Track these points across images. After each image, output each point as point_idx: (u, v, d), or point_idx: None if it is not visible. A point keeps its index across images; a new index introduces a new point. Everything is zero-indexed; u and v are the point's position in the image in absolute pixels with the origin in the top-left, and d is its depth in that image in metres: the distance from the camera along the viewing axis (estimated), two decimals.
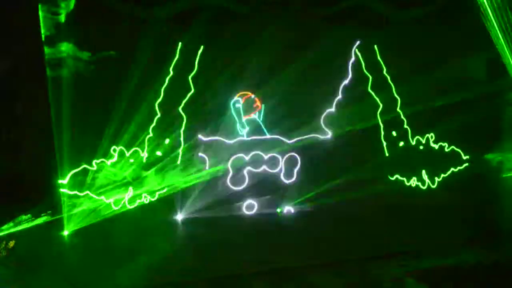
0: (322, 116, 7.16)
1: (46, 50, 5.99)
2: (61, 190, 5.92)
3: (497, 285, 5.83)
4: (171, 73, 6.45)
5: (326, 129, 7.15)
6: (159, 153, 6.40)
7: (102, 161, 6.13)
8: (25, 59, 5.96)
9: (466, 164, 7.59)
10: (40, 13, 5.96)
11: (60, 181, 5.92)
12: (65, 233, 6.10)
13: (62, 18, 6.10)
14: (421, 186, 7.45)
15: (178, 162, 6.48)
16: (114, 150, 6.20)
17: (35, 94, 6.05)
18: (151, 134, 6.36)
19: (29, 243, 5.86)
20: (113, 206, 6.19)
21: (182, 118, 6.50)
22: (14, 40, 5.89)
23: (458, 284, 6.03)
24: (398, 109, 7.42)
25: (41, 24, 5.98)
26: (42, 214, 5.96)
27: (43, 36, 5.98)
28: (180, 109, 6.46)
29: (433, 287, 6.01)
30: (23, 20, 5.99)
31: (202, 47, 6.59)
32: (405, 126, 7.43)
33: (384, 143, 7.37)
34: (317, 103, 7.17)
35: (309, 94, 7.09)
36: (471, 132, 7.51)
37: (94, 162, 6.08)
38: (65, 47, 6.12)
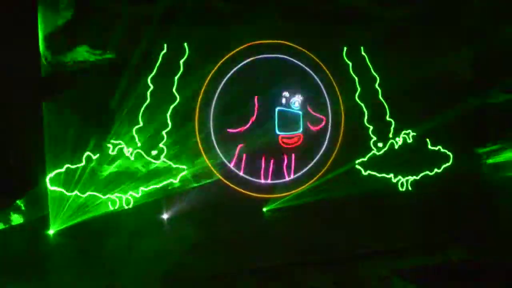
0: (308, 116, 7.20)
1: (41, 49, 6.00)
2: (47, 186, 5.88)
3: (482, 284, 5.83)
4: (156, 73, 6.46)
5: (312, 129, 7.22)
6: (154, 152, 6.40)
7: (90, 159, 6.10)
8: (19, 58, 5.93)
9: (453, 163, 7.63)
10: (39, 12, 5.96)
11: (47, 178, 5.89)
12: (51, 232, 6.06)
13: (59, 18, 6.11)
14: (407, 185, 7.48)
15: (165, 160, 6.45)
16: (104, 148, 6.18)
17: (26, 91, 5.97)
18: (138, 135, 6.34)
19: (11, 241, 5.83)
20: (102, 204, 6.16)
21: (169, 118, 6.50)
22: (7, 39, 5.87)
23: (444, 282, 6.03)
24: (384, 108, 7.48)
25: (39, 23, 5.98)
26: (26, 210, 5.93)
27: (40, 34, 5.97)
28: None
29: (419, 285, 6.00)
30: (19, 19, 5.96)
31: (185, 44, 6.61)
32: (392, 124, 7.47)
33: (371, 142, 7.39)
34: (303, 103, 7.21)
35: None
36: (457, 130, 7.59)
37: (81, 159, 6.05)
38: (59, 47, 6.13)
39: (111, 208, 6.20)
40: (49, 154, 5.94)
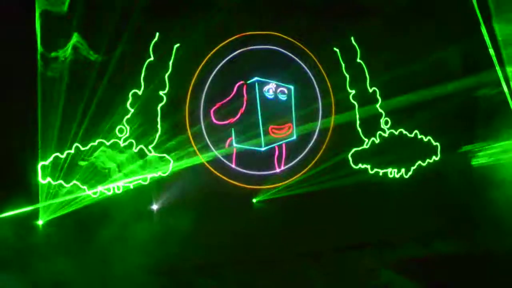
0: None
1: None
2: (37, 177, 5.89)
3: (470, 275, 5.85)
4: (146, 67, 6.46)
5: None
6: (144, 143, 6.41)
7: (79, 150, 6.11)
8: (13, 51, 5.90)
9: (440, 154, 7.65)
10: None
11: (37, 168, 5.90)
12: (40, 222, 6.09)
13: (58, 11, 6.10)
14: (395, 177, 7.50)
15: (155, 151, 6.47)
16: (93, 139, 6.19)
17: (19, 80, 5.98)
18: (128, 126, 6.35)
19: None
20: (91, 195, 6.16)
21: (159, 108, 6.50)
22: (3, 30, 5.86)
23: (431, 273, 6.07)
24: (375, 100, 7.50)
25: (36, 15, 5.96)
26: (15, 200, 5.94)
27: (37, 27, 5.97)
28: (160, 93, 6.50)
29: (407, 276, 6.04)
30: (16, 12, 5.95)
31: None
32: (381, 117, 7.48)
33: (360, 134, 7.40)
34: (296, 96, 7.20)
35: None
36: (445, 122, 7.60)
37: (70, 150, 6.05)
38: (54, 41, 6.12)
39: (93, 196, 6.19)
40: (40, 145, 5.94)
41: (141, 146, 6.39)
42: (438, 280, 5.90)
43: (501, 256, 6.13)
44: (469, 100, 7.76)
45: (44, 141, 5.98)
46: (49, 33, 6.00)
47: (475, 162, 7.92)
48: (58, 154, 5.99)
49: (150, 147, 6.43)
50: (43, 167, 5.93)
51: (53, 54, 6.03)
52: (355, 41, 7.45)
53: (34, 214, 6.05)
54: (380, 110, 7.50)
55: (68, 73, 6.08)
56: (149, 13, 6.37)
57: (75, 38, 6.13)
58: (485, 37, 7.28)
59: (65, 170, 6.02)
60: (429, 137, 7.69)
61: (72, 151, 6.05)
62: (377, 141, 7.43)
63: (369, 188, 7.32)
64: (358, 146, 7.40)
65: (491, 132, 7.78)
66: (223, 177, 6.87)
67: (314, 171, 7.13)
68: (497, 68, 7.47)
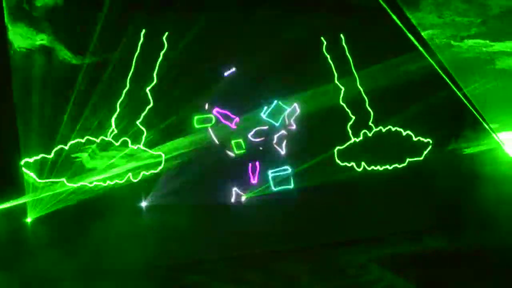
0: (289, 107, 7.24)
1: (10, 36, 5.99)
2: (24, 174, 5.90)
3: (458, 271, 5.86)
4: (135, 62, 6.46)
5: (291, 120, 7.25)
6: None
7: (63, 148, 6.12)
8: None
9: (429, 150, 7.65)
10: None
11: (22, 164, 5.91)
12: (28, 220, 6.09)
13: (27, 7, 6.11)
14: (384, 173, 7.49)
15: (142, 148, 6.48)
16: (80, 136, 6.20)
17: None
18: (114, 124, 6.38)
19: None
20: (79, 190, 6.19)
21: (148, 104, 6.51)
22: None
23: (420, 269, 6.06)
24: (362, 96, 7.50)
25: (5, 12, 5.97)
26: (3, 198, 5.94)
27: (6, 23, 5.96)
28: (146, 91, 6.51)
29: (396, 273, 6.04)
30: None
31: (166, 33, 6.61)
32: (369, 112, 7.49)
33: (349, 131, 7.41)
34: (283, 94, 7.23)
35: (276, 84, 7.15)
36: (433, 117, 7.59)
37: (57, 147, 6.07)
38: (30, 35, 6.11)
39: (90, 195, 6.21)
40: (24, 143, 5.96)
41: (129, 142, 6.40)
42: (428, 275, 5.87)
43: (490, 251, 6.14)
44: (457, 96, 7.72)
45: (28, 139, 5.99)
46: (22, 27, 6.02)
47: (463, 157, 7.94)
48: (45, 152, 6.00)
49: (140, 143, 6.43)
50: (29, 165, 5.92)
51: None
52: (344, 38, 7.45)
53: (23, 212, 6.05)
54: (368, 107, 7.48)
55: (51, 72, 6.12)
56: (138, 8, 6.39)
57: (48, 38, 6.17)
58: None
59: (52, 168, 6.04)
60: (416, 135, 7.65)
61: (58, 149, 6.06)
62: (365, 138, 7.41)
63: (358, 184, 7.31)
64: (346, 143, 7.38)
65: (479, 127, 7.81)
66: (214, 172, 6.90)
67: (302, 168, 7.13)
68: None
